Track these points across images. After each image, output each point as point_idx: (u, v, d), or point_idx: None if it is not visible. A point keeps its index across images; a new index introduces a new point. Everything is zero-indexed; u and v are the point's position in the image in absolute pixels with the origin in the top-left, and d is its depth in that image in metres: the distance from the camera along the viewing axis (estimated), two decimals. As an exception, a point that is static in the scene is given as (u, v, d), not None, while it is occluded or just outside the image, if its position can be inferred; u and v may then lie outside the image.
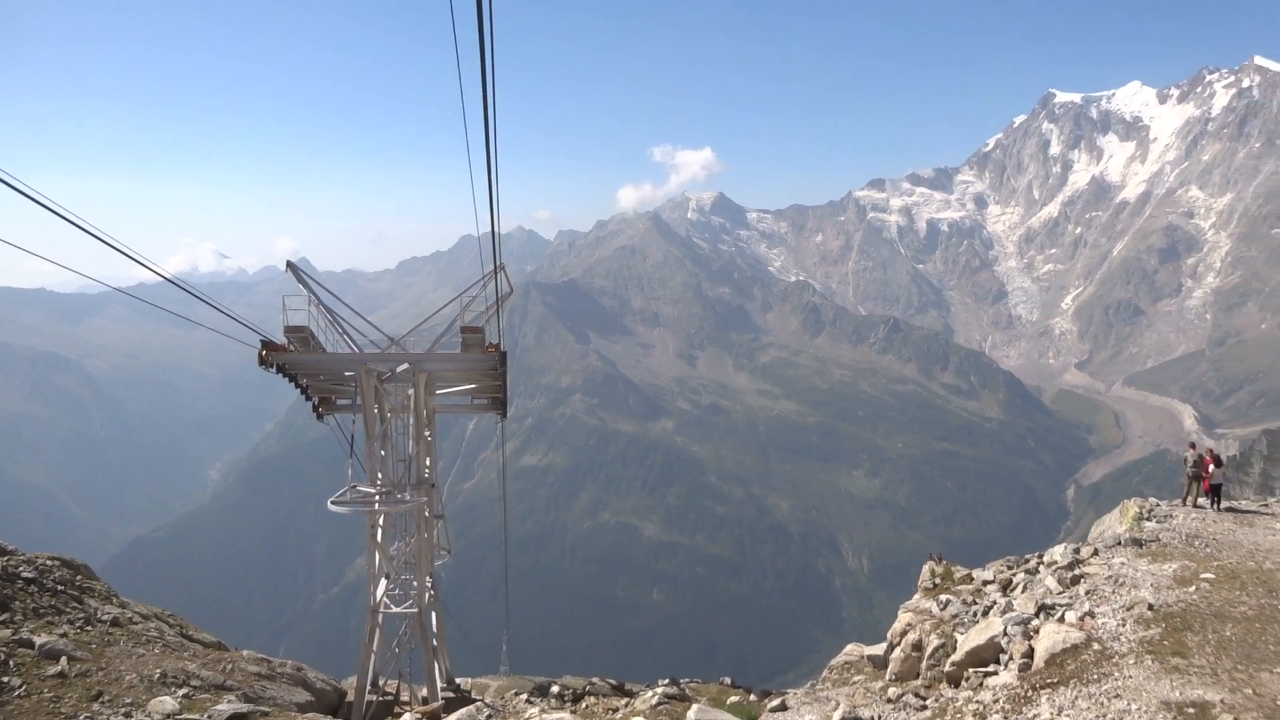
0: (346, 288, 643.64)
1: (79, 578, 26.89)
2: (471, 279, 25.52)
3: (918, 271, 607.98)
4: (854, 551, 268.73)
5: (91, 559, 32.67)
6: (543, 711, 16.84)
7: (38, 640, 20.56)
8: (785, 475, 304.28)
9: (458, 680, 32.00)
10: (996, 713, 12.48)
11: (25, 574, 24.00)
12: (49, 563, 26.30)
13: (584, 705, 18.43)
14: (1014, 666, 13.74)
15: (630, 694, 20.50)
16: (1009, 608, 15.98)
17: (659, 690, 17.59)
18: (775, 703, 15.67)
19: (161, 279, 16.74)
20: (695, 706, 13.84)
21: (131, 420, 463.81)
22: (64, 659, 20.12)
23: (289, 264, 24.49)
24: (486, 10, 8.82)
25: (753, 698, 18.50)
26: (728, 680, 26.49)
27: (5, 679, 18.35)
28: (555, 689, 21.68)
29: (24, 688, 18.31)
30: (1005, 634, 14.71)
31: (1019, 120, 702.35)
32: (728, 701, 17.54)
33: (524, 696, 20.58)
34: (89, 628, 23.02)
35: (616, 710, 16.84)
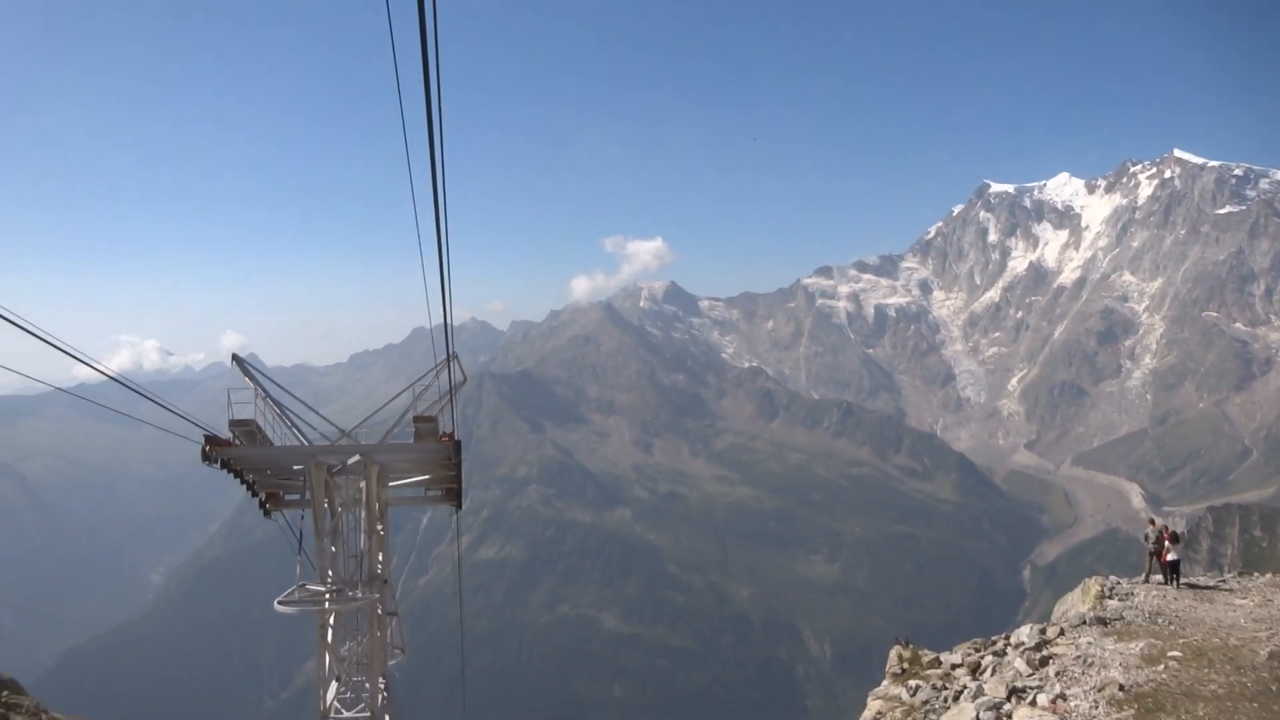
0: (297, 382, 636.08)
1: (4, 693, 25.52)
2: (424, 371, 25.20)
3: (868, 356, 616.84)
4: (815, 638, 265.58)
5: (20, 674, 31.09)
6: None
7: (-41, 761, 19.33)
8: (744, 562, 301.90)
9: (412, 788, 30.61)
10: (975, 803, 12.08)
11: (-52, 689, 22.72)
12: (-27, 677, 24.97)
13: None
14: (989, 753, 13.39)
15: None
16: (980, 692, 15.66)
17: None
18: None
19: (105, 377, 16.18)
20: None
21: (69, 526, 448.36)
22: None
23: (234, 357, 24.01)
24: (435, 105, 8.83)
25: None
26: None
27: (-79, 805, 17.14)
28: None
29: (-58, 814, 17.10)
30: (978, 719, 14.37)
31: (958, 209, 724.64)
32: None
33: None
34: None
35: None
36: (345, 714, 25.84)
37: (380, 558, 26.58)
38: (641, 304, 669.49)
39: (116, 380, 17.03)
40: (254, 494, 26.50)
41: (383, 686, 27.15)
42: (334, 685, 25.84)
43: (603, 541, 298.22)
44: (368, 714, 25.25)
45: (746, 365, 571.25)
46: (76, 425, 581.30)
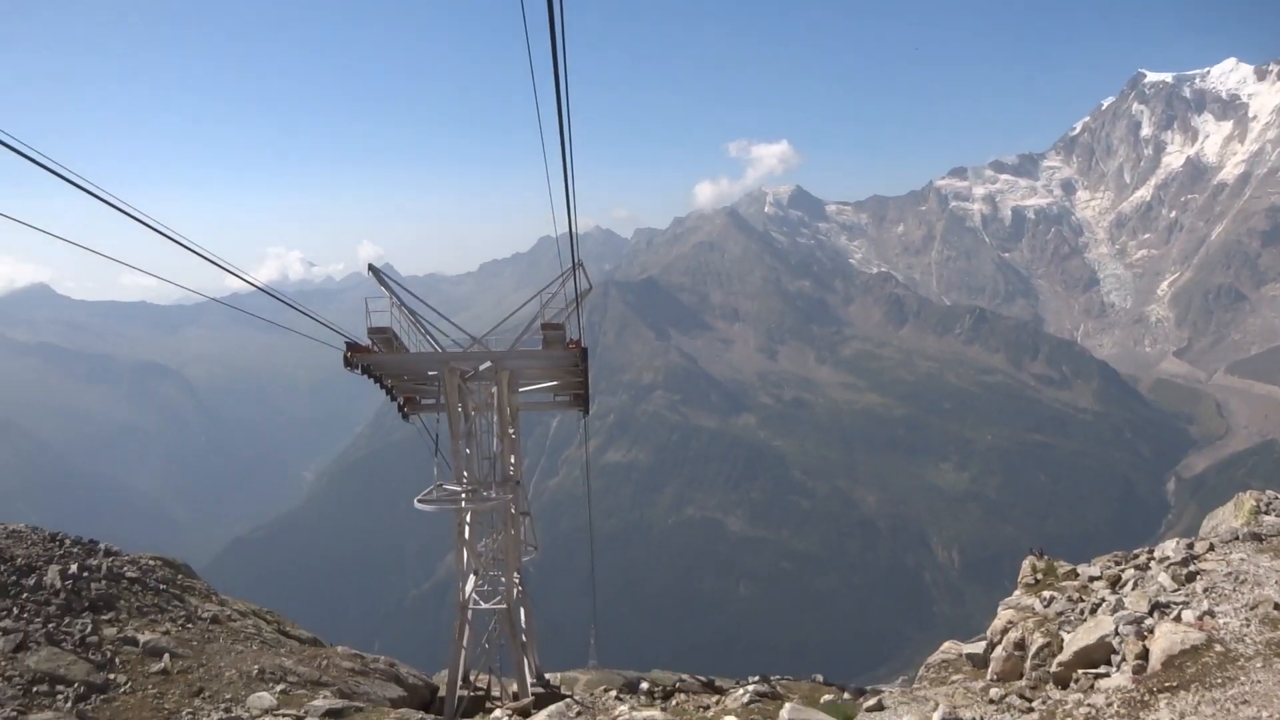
0: (429, 291, 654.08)
1: (180, 577, 27.64)
2: (551, 279, 25.46)
3: (1003, 260, 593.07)
4: (944, 545, 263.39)
5: (193, 560, 33.62)
6: (632, 709, 16.59)
7: (142, 638, 21.11)
8: (871, 468, 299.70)
9: (547, 675, 32.04)
10: (1111, 716, 11.78)
11: (129, 574, 24.70)
12: (151, 563, 27.07)
13: (674, 702, 18.16)
14: (1127, 669, 12.98)
15: (720, 691, 20.17)
16: (1120, 606, 15.14)
17: (750, 688, 17.19)
18: (871, 702, 15.14)
19: (254, 288, 17.01)
20: (788, 705, 13.41)
21: (229, 426, 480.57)
22: (167, 656, 20.62)
23: (371, 267, 24.74)
24: (558, 13, 8.68)
25: (846, 696, 17.99)
26: (819, 678, 25.91)
27: (112, 676, 18.86)
28: (645, 685, 21.46)
29: (129, 684, 18.80)
30: (1117, 634, 13.91)
31: (1108, 102, 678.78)
32: (821, 700, 17.05)
33: (613, 693, 20.41)
34: (190, 625, 23.59)
35: (707, 708, 16.52)
36: (482, 605, 27.10)
37: (512, 460, 27.48)
38: (766, 209, 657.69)
39: (264, 291, 17.82)
40: (393, 398, 27.62)
41: (517, 581, 28.34)
42: (472, 579, 27.08)
43: (728, 447, 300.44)
44: (504, 606, 26.41)
45: (875, 271, 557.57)
46: (232, 333, 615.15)
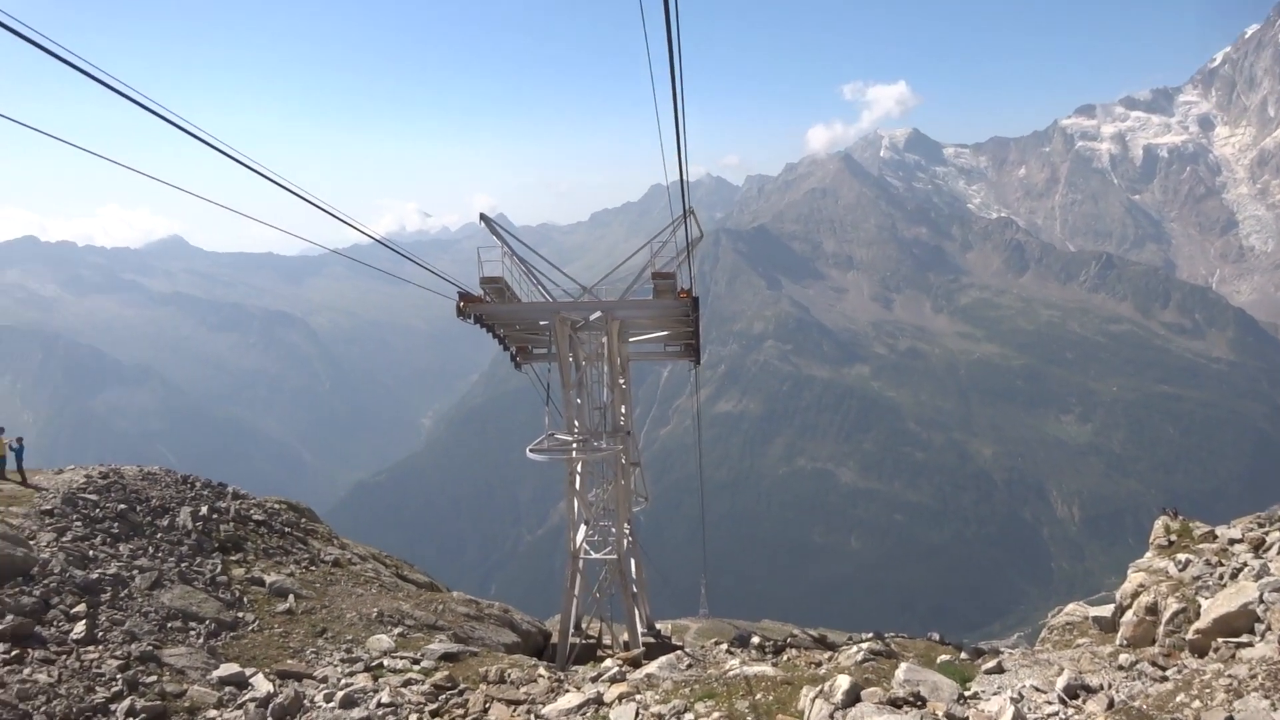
0: (541, 241, 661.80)
1: (303, 520, 28.81)
2: (662, 228, 25.17)
3: (1133, 203, 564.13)
4: (1063, 500, 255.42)
5: (319, 503, 35.03)
6: (744, 663, 16.48)
7: (268, 579, 22.07)
8: (987, 420, 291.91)
9: (657, 624, 32.36)
10: (1255, 689, 11.05)
11: (256, 516, 25.84)
12: (277, 506, 28.27)
13: (785, 658, 17.99)
14: (1273, 638, 12.18)
15: (833, 647, 19.94)
16: (1264, 571, 14.23)
17: (864, 645, 16.88)
18: (990, 664, 14.66)
19: (372, 240, 17.35)
20: (904, 665, 13.05)
21: (352, 373, 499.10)
22: (291, 597, 21.51)
23: (482, 216, 24.84)
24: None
25: (964, 656, 17.52)
26: (935, 636, 25.35)
27: (240, 614, 19.75)
28: (756, 640, 21.37)
29: (257, 623, 19.66)
30: (1262, 601, 13.07)
31: (1251, 30, 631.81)
32: (937, 660, 16.61)
33: (724, 646, 20.37)
34: (313, 568, 24.57)
35: (819, 664, 16.29)
36: (593, 555, 27.42)
37: (623, 410, 27.51)
38: (882, 153, 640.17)
39: (380, 242, 18.11)
40: (505, 347, 27.92)
41: (628, 531, 28.51)
42: (583, 528, 27.39)
43: (840, 397, 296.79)
44: (614, 556, 26.65)
45: (995, 216, 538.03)
46: (353, 283, 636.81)
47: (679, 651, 19.06)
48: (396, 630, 21.04)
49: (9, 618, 15.22)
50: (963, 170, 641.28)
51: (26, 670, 14.00)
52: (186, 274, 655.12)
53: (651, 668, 16.40)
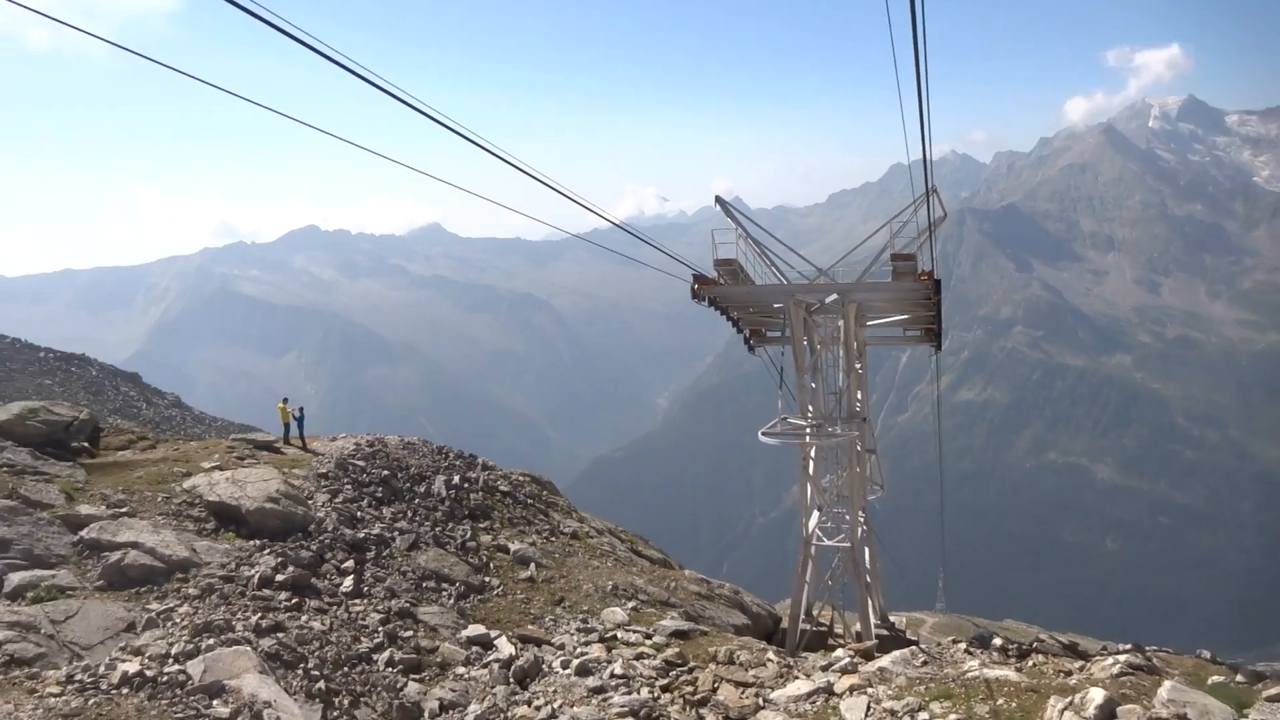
0: (777, 223, 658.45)
1: (545, 493, 30.23)
2: (902, 208, 24.23)
3: None
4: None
5: (560, 477, 36.68)
6: (984, 665, 15.67)
7: (512, 547, 23.33)
8: (1272, 418, 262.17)
9: (891, 616, 31.43)
10: None
11: (502, 488, 27.36)
12: (521, 478, 29.81)
13: (1031, 663, 16.91)
14: None
15: (1084, 656, 18.51)
16: None
17: (1120, 657, 15.58)
18: (1273, 690, 13.08)
19: (611, 224, 18.00)
20: (1168, 684, 11.94)
21: (592, 353, 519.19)
22: (533, 565, 22.64)
23: (717, 199, 24.93)
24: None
25: (1240, 679, 15.72)
26: (1206, 654, 22.96)
27: (486, 579, 20.97)
28: (998, 641, 20.24)
29: (501, 588, 20.82)
30: None
31: None
32: (1208, 681, 15.05)
33: (962, 645, 19.42)
34: (553, 539, 25.75)
35: (1069, 674, 15.18)
36: (826, 542, 26.97)
37: (859, 395, 26.82)
38: (1150, 124, 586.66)
39: (620, 227, 18.68)
40: (739, 330, 27.94)
41: (862, 519, 27.84)
42: (815, 514, 26.98)
43: (1097, 388, 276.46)
44: (848, 544, 26.09)
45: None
46: (594, 266, 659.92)
47: (914, 647, 18.42)
48: (630, 604, 21.64)
49: (290, 569, 16.89)
50: (1248, 140, 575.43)
51: (304, 618, 15.47)
52: (444, 258, 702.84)
53: (884, 661, 15.94)
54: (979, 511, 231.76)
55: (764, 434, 24.50)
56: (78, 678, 11.78)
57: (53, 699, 11.24)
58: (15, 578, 14.23)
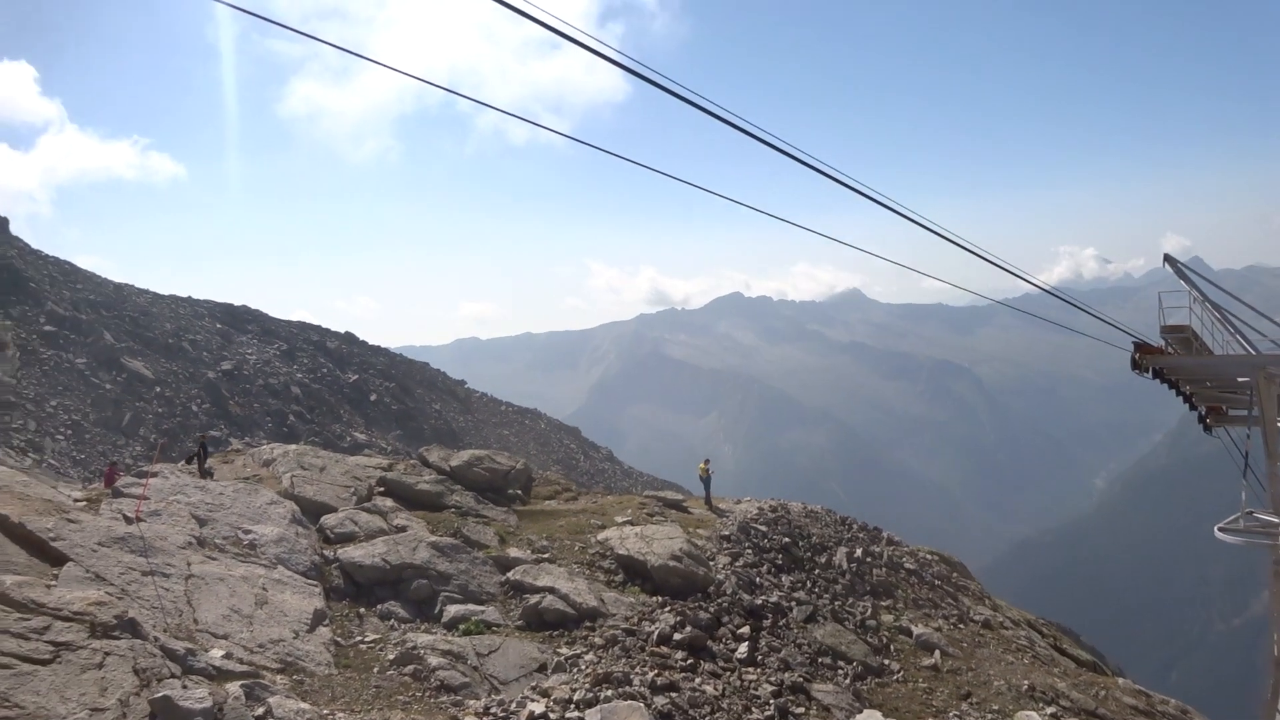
0: (1247, 285, 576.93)
1: (954, 575, 28.20)
2: None
3: None
4: None
5: (974, 556, 34.36)
6: None
7: (915, 630, 21.92)
8: None
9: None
10: None
11: (907, 565, 25.97)
12: (929, 557, 28.13)
13: None
14: None
15: None
16: None
17: None
18: None
19: (1042, 290, 17.03)
20: None
21: (1017, 425, 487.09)
22: (937, 653, 21.05)
23: (1167, 258, 22.05)
24: None
25: None
26: None
27: (886, 661, 19.84)
28: None
29: (901, 673, 19.58)
30: None
31: None
32: None
33: None
34: (961, 626, 23.81)
35: None
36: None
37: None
38: None
39: (1050, 293, 17.45)
40: (1192, 407, 24.37)
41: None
42: (1291, 631, 22.46)
43: None
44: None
45: None
46: (1021, 332, 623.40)
47: None
48: (1049, 710, 19.33)
49: (688, 629, 17.19)
50: None
51: (697, 680, 15.61)
52: (863, 324, 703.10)
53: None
54: None
55: (1221, 529, 20.97)
56: (493, 710, 12.74)
57: (469, 728, 12.21)
58: (452, 609, 15.88)
